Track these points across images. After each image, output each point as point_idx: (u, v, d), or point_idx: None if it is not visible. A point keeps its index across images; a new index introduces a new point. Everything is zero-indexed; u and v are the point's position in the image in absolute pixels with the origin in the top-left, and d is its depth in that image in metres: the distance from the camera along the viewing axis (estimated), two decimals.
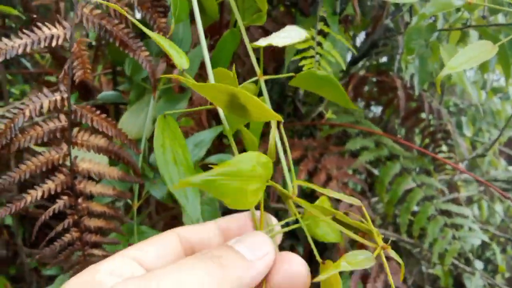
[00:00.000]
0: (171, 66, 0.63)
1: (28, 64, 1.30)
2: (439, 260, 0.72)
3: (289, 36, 0.34)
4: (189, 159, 0.43)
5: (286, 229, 0.31)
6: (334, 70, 0.69)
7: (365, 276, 0.66)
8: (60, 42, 0.41)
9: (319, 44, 0.59)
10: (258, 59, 0.45)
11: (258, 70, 0.42)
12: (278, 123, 0.34)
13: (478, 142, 1.71)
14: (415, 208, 0.82)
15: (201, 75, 0.90)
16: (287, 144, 0.34)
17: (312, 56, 0.58)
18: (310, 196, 1.04)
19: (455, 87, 1.57)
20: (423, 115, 1.35)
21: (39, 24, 0.41)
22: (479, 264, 1.20)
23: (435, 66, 0.90)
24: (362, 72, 1.29)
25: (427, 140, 1.35)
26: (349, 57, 1.01)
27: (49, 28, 0.41)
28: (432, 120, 1.31)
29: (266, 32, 1.03)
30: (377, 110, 1.56)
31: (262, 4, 0.47)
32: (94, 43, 1.10)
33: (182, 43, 0.57)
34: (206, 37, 0.63)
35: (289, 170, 0.34)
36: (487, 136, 1.76)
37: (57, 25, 0.42)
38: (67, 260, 0.46)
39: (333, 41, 0.69)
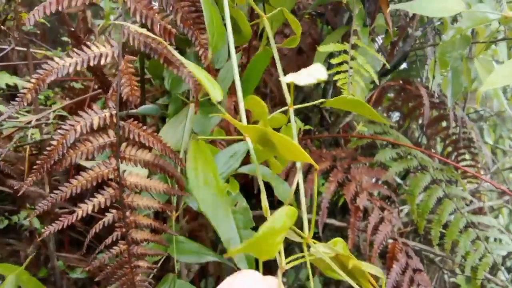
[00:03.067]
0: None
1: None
2: (472, 273, 0.71)
3: (312, 74, 0.34)
4: (219, 181, 0.45)
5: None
6: (365, 82, 0.69)
7: None
8: (108, 60, 0.43)
9: (353, 58, 0.59)
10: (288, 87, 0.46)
11: (288, 99, 0.43)
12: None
13: (499, 149, 1.69)
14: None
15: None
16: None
17: (346, 71, 0.58)
18: (337, 205, 1.04)
19: (475, 94, 1.56)
20: (444, 123, 1.34)
21: (88, 43, 0.42)
22: (504, 274, 1.19)
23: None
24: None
25: (449, 149, 1.34)
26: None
27: (97, 47, 0.43)
28: (454, 128, 1.30)
29: None
30: (393, 115, 1.56)
31: (296, 28, 0.49)
32: None
33: (219, 59, 0.58)
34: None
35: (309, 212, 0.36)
36: (507, 143, 1.74)
37: (105, 44, 0.43)
38: (115, 272, 0.47)
39: (364, 53, 0.69)
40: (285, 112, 0.45)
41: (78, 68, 0.41)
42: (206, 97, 0.66)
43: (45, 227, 0.43)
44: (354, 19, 0.65)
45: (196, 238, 0.99)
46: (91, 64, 0.41)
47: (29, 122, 0.99)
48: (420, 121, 1.39)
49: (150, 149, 0.46)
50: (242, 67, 0.94)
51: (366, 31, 0.75)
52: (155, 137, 0.44)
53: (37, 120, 1.00)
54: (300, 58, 1.08)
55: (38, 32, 1.37)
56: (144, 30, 0.45)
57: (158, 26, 0.45)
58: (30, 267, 1.06)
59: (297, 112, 0.90)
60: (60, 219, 0.43)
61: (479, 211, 1.18)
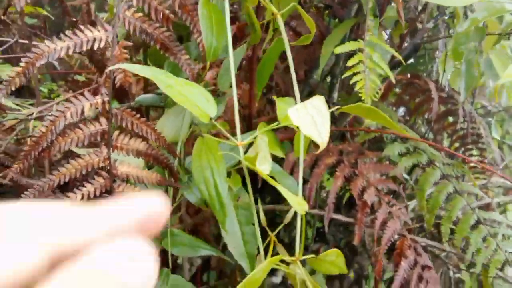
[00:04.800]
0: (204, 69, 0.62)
1: (55, 63, 1.32)
2: (482, 271, 0.69)
3: (318, 129, 0.33)
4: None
5: None
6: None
7: (404, 286, 0.64)
8: (102, 45, 0.41)
9: (369, 56, 0.57)
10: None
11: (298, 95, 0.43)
12: None
13: (505, 144, 1.67)
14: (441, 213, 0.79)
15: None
16: None
17: (363, 71, 0.56)
18: (342, 200, 1.02)
19: (483, 89, 1.53)
20: (451, 118, 1.31)
21: (81, 26, 0.40)
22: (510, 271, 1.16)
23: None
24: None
25: (456, 144, 1.31)
26: None
27: (91, 31, 0.40)
28: (462, 123, 1.27)
29: (296, 33, 1.02)
30: (398, 110, 1.53)
31: (311, 27, 0.48)
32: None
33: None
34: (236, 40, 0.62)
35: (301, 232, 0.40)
36: None
37: (99, 27, 0.41)
38: None
39: (375, 48, 0.67)
40: None
41: (70, 52, 0.39)
42: (208, 88, 0.64)
43: None
44: (368, 12, 0.63)
45: (198, 233, 0.97)
46: (84, 48, 0.39)
47: (31, 115, 0.97)
48: (426, 116, 1.36)
49: (146, 139, 0.44)
50: (247, 59, 0.91)
51: (377, 23, 0.72)
52: (149, 126, 0.42)
53: (39, 112, 0.99)
54: (307, 51, 1.06)
55: (42, 25, 1.36)
56: (140, 15, 0.42)
57: (155, 11, 0.42)
58: None
59: None
60: None
61: (486, 207, 1.15)
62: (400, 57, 0.57)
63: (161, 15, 0.42)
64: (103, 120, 0.41)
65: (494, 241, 0.68)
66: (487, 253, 0.67)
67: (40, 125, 1.02)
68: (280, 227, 0.43)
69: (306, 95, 1.00)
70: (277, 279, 0.99)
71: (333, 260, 0.38)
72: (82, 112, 0.39)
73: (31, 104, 1.14)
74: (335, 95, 0.85)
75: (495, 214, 0.76)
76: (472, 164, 1.12)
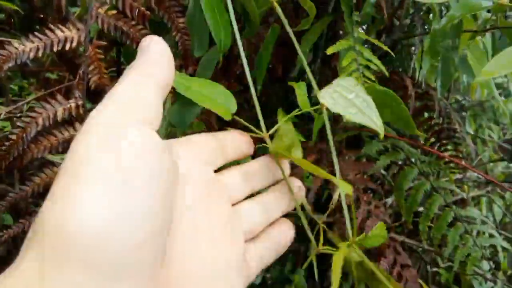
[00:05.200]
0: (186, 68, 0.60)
1: (26, 60, 1.27)
2: (460, 269, 0.70)
3: (361, 112, 0.30)
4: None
5: None
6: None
7: None
8: (73, 45, 0.39)
9: (360, 53, 0.55)
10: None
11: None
12: None
13: (479, 138, 1.70)
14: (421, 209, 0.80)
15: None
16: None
17: (357, 69, 0.55)
18: (323, 204, 1.02)
19: (457, 83, 1.56)
20: (426, 114, 1.33)
21: (52, 26, 0.38)
22: (485, 265, 1.19)
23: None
24: None
25: (432, 140, 1.33)
26: None
27: (62, 31, 0.38)
28: (437, 119, 1.29)
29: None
30: None
31: (310, 10, 0.47)
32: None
33: (197, 46, 0.54)
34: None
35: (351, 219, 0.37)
36: (487, 132, 1.75)
37: (70, 27, 0.39)
38: None
39: (362, 43, 0.66)
40: None
41: (40, 54, 0.37)
42: None
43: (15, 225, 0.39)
44: (353, 7, 0.62)
45: None
46: (55, 49, 0.37)
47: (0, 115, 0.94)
48: None
49: None
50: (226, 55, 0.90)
51: (356, 19, 0.72)
52: None
53: (8, 112, 0.95)
54: (283, 49, 1.05)
55: (9, 20, 1.31)
56: (114, 12, 0.41)
57: (130, 8, 0.41)
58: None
59: (280, 103, 0.87)
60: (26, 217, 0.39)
61: (462, 202, 1.17)
62: (387, 49, 0.56)
63: (136, 12, 0.41)
64: (77, 125, 0.39)
65: (471, 238, 0.69)
66: (464, 251, 0.68)
67: (8, 125, 0.98)
68: (327, 213, 0.42)
69: (285, 90, 0.99)
70: (257, 280, 0.98)
71: (379, 233, 0.37)
72: (55, 117, 0.37)
73: (1, 103, 1.10)
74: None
75: (471, 210, 0.77)
76: (447, 159, 1.14)
